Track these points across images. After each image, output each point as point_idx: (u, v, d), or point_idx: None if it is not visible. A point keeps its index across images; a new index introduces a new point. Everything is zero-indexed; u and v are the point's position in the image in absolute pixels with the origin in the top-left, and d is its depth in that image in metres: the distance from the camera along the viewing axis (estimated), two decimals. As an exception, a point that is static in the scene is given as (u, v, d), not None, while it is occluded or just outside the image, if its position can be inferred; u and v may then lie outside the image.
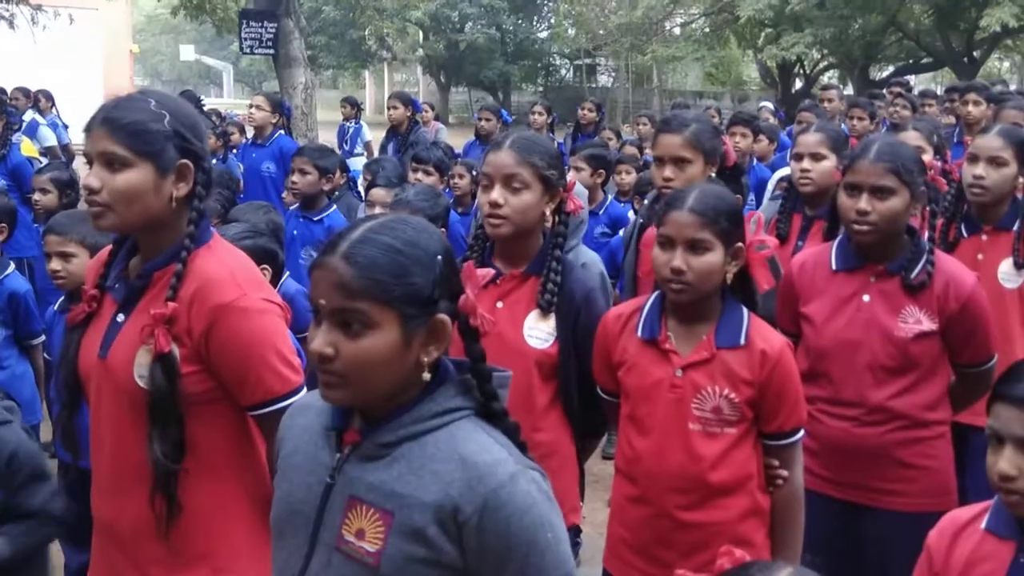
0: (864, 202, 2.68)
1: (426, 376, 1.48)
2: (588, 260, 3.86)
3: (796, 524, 2.37)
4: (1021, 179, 3.43)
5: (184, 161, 1.92)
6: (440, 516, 1.42)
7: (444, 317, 1.47)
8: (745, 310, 2.35)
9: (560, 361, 2.47)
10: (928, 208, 2.83)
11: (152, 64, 50.44)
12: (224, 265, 1.96)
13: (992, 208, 3.40)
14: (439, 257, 1.47)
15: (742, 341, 2.29)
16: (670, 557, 2.30)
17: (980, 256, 3.40)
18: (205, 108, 10.22)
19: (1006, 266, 3.38)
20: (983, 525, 1.86)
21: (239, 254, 2.05)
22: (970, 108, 6.58)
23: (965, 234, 3.45)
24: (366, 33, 29.07)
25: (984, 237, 3.43)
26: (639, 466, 2.36)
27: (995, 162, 3.34)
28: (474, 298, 1.52)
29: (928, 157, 3.75)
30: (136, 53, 28.98)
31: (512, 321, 2.45)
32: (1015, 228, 3.38)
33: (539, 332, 2.46)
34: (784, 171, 4.91)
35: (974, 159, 3.38)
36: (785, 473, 2.34)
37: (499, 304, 2.46)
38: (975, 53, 21.12)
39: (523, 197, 2.43)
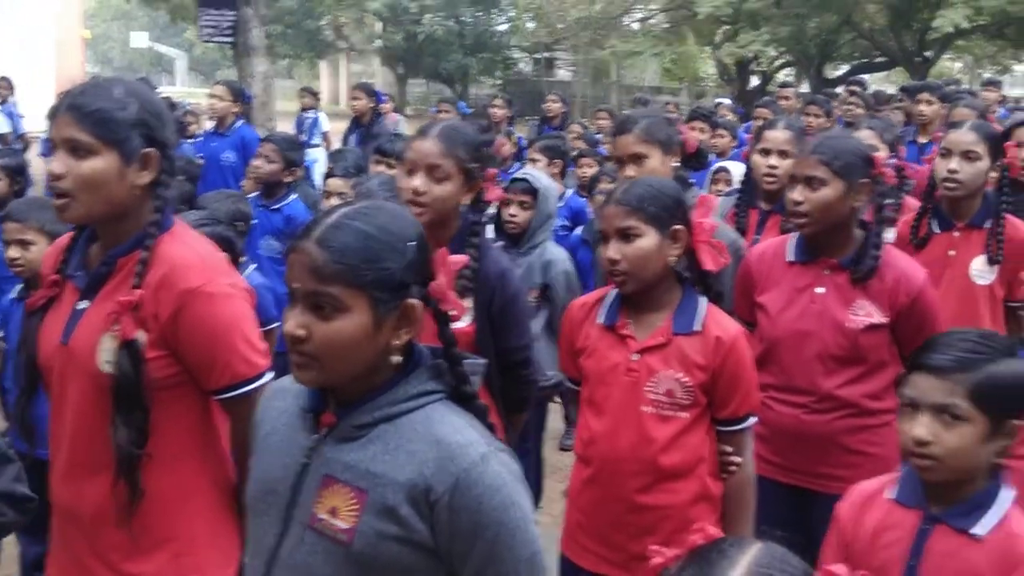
0: (797, 192, 2.78)
1: (397, 359, 1.52)
2: (554, 257, 3.92)
3: (747, 510, 2.45)
4: (993, 174, 3.47)
5: (149, 149, 1.92)
6: (413, 495, 1.46)
7: (415, 301, 1.51)
8: (703, 299, 2.41)
9: (477, 339, 2.54)
10: (876, 203, 2.89)
11: (103, 51, 49.55)
12: (190, 251, 1.97)
13: (964, 203, 3.44)
14: (411, 243, 1.51)
15: (698, 327, 2.36)
16: (621, 539, 2.38)
17: (952, 252, 3.43)
18: (161, 97, 10.09)
19: (979, 263, 3.41)
20: (890, 495, 1.95)
21: (203, 240, 2.07)
22: (923, 108, 6.71)
23: (937, 230, 3.48)
24: (323, 23, 28.82)
25: (956, 234, 3.45)
26: (594, 448, 2.43)
27: (968, 156, 3.39)
28: (445, 284, 1.55)
29: (882, 154, 3.83)
30: (88, 39, 28.45)
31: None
32: (988, 224, 3.41)
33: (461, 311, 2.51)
34: (725, 164, 4.98)
35: (947, 153, 3.43)
36: (739, 459, 2.41)
37: None
38: (928, 53, 21.49)
39: (444, 187, 2.52)
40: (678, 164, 3.16)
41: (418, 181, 2.50)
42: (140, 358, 1.88)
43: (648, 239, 2.33)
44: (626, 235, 2.34)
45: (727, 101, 11.81)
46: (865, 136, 4.14)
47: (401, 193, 2.56)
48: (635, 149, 3.06)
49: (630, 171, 3.05)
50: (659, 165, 3.04)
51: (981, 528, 1.84)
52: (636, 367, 2.37)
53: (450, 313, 1.58)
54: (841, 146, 2.84)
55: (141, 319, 1.89)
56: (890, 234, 3.48)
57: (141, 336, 1.89)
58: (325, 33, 29.80)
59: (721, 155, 6.83)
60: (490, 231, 4.02)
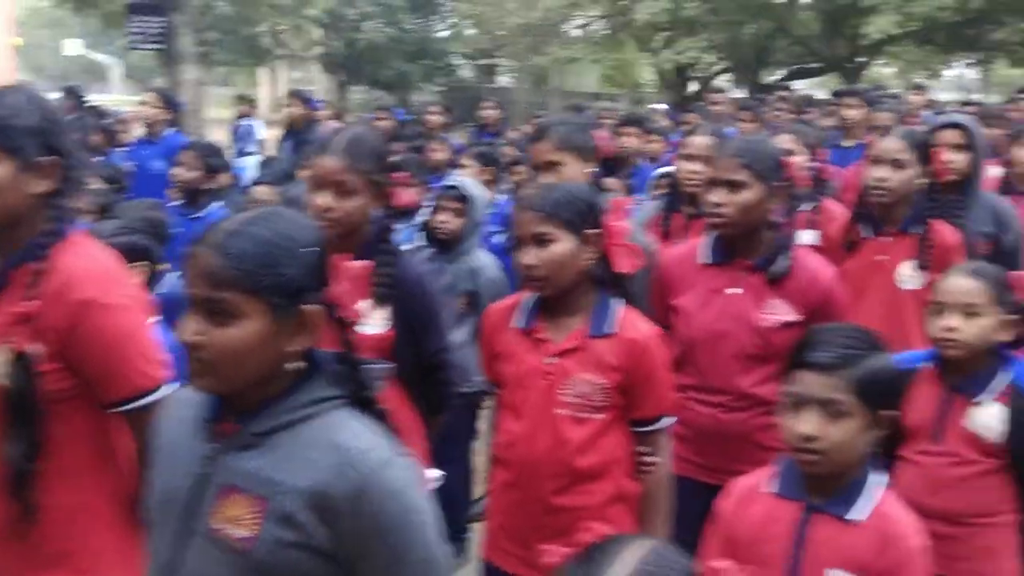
0: (719, 195, 2.82)
1: (296, 366, 1.52)
2: (482, 264, 3.94)
3: (662, 510, 2.47)
4: (921, 179, 3.49)
5: (48, 157, 1.89)
6: (314, 501, 1.45)
7: (313, 308, 1.51)
8: (618, 302, 2.43)
9: (396, 345, 2.54)
10: (789, 205, 2.95)
11: (35, 59, 48.52)
12: (87, 261, 1.94)
13: (894, 209, 3.46)
14: (309, 249, 1.52)
15: (612, 330, 2.38)
16: (539, 541, 2.36)
17: (881, 257, 3.45)
18: (88, 104, 9.93)
19: (906, 267, 3.43)
20: (770, 489, 2.02)
21: (103, 250, 2.03)
22: (847, 112, 6.85)
23: (867, 235, 3.51)
24: (261, 30, 28.52)
25: (886, 239, 3.47)
26: (512, 451, 2.45)
27: (896, 164, 3.43)
28: (342, 290, 1.56)
29: (801, 158, 3.91)
30: (19, 47, 27.87)
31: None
32: (917, 230, 3.42)
33: (373, 319, 2.52)
34: (667, 169, 5.04)
35: (875, 161, 3.47)
36: (655, 459, 2.43)
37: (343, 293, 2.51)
38: (860, 58, 21.93)
39: (352, 202, 2.50)
40: (596, 170, 3.19)
41: (325, 199, 2.48)
42: (33, 371, 1.85)
43: (562, 244, 2.35)
44: (541, 240, 2.35)
45: (662, 107, 11.95)
46: (785, 140, 4.22)
47: (309, 209, 2.54)
48: (550, 156, 3.08)
49: (546, 178, 3.06)
50: (575, 171, 3.06)
51: (859, 514, 1.93)
52: (552, 370, 2.38)
53: (354, 319, 1.58)
54: (760, 149, 2.91)
55: (39, 331, 1.86)
56: (806, 236, 3.55)
57: (35, 348, 1.85)
58: (264, 40, 29.53)
59: (653, 160, 6.91)
60: (421, 238, 4.04)
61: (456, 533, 3.67)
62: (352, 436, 1.50)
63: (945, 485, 2.48)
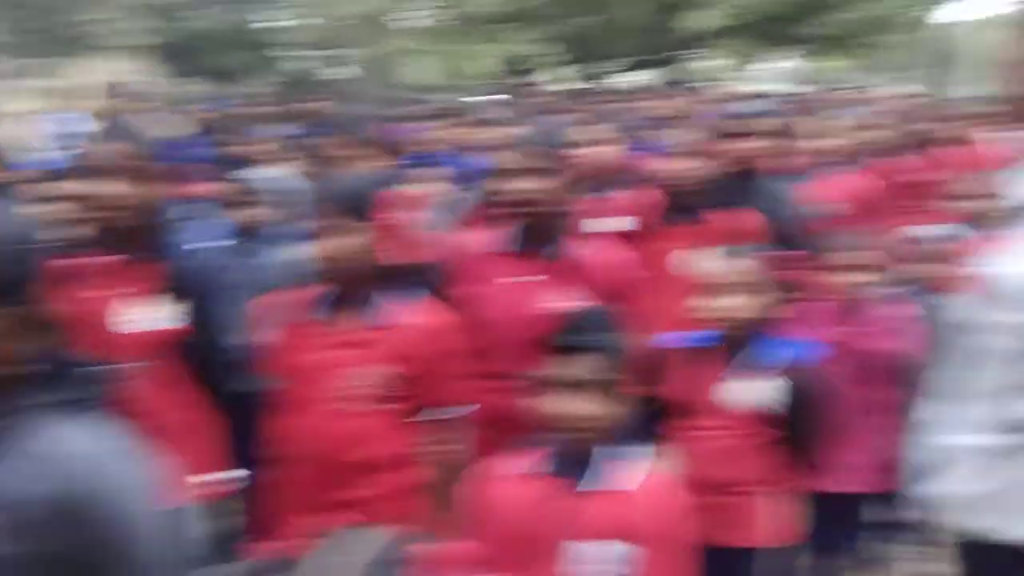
0: (525, 183, 2.85)
1: (19, 369, 1.43)
2: (285, 258, 3.86)
3: (451, 498, 2.47)
4: (720, 168, 3.61)
5: None
6: (39, 510, 1.38)
7: (33, 307, 1.43)
8: (409, 291, 2.45)
9: (182, 339, 2.50)
10: (583, 194, 3.02)
11: None
12: None
13: (694, 197, 3.58)
14: (25, 245, 1.44)
15: (401, 319, 2.39)
16: (322, 533, 2.35)
17: (683, 244, 3.52)
18: None
19: (704, 253, 3.54)
20: (533, 469, 2.03)
21: None
22: (666, 102, 7.12)
23: (671, 222, 3.61)
24: (80, 18, 27.23)
25: (687, 226, 3.57)
26: (295, 445, 2.42)
27: (696, 153, 3.57)
28: (79, 289, 1.50)
29: (615, 148, 4.02)
30: None
31: (120, 307, 2.44)
32: (715, 217, 3.52)
33: (156, 314, 2.47)
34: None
35: (679, 150, 3.61)
36: (444, 448, 2.45)
37: (105, 292, 2.43)
38: (690, 51, 22.68)
39: (134, 192, 2.43)
40: (402, 161, 3.20)
41: (98, 187, 2.40)
42: None
43: (346, 236, 2.34)
44: (327, 232, 2.34)
45: (496, 98, 12.05)
46: (602, 130, 4.33)
47: (86, 200, 2.43)
48: (342, 150, 3.08)
49: (336, 171, 3.05)
50: (367, 164, 3.06)
51: (626, 485, 1.98)
52: (337, 362, 2.37)
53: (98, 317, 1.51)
54: (554, 141, 2.95)
55: None
56: (615, 223, 3.63)
57: None
58: (85, 29, 28.19)
59: (480, 152, 6.93)
60: (228, 231, 3.94)
61: (247, 533, 3.59)
62: (74, 440, 1.43)
63: (714, 456, 2.60)
